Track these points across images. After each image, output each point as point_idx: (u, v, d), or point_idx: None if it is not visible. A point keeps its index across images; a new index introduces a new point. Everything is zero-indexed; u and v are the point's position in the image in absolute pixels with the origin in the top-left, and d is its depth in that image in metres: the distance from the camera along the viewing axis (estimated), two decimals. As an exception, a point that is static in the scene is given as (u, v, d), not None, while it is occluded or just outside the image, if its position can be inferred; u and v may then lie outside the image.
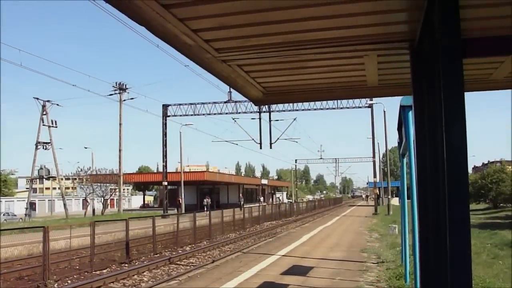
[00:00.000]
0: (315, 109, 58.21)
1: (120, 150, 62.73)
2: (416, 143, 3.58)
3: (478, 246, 20.56)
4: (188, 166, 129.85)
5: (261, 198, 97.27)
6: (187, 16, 3.62)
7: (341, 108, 57.78)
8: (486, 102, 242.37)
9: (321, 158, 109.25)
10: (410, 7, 3.51)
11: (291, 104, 56.82)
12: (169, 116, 60.59)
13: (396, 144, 14.95)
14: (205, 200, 69.77)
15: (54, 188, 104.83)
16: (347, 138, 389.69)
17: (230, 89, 51.87)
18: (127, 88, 61.02)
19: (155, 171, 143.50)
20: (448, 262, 2.78)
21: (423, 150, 3.42)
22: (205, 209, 59.19)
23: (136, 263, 22.54)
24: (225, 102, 57.68)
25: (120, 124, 62.16)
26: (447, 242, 2.79)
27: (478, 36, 3.50)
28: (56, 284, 17.78)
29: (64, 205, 62.11)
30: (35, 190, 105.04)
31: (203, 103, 58.96)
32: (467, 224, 2.80)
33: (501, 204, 57.74)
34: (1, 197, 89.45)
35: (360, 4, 3.51)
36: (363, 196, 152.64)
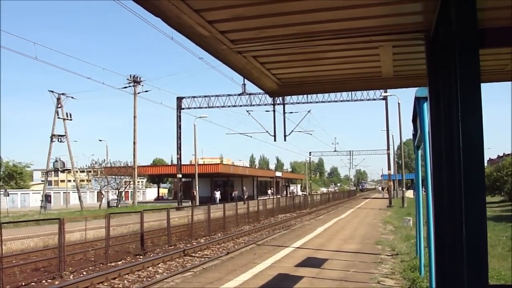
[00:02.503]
0: (329, 101, 58.10)
1: (134, 143, 62.96)
2: (431, 134, 3.55)
3: (493, 239, 20.44)
4: (202, 158, 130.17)
5: (269, 191, 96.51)
6: (202, 7, 3.62)
7: (356, 100, 57.64)
8: (502, 94, 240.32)
9: (335, 151, 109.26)
10: (425, -3, 3.49)
11: (305, 96, 56.78)
12: (183, 108, 60.74)
13: (411, 137, 14.93)
14: (216, 193, 69.54)
15: (69, 181, 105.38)
16: (362, 130, 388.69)
17: (244, 82, 51.99)
18: (141, 81, 61.19)
19: (169, 163, 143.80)
20: (464, 255, 2.77)
21: (438, 142, 3.39)
22: (218, 201, 59.27)
23: (151, 255, 22.64)
24: (239, 95, 57.72)
25: (134, 117, 62.37)
26: (463, 234, 2.78)
27: (494, 26, 3.46)
28: (72, 275, 17.89)
29: (79, 197, 62.43)
30: (50, 183, 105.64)
31: (217, 96, 59.06)
32: (483, 217, 2.78)
33: (517, 197, 57.30)
34: (17, 190, 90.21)
35: (375, -5, 3.50)
36: (379, 188, 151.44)
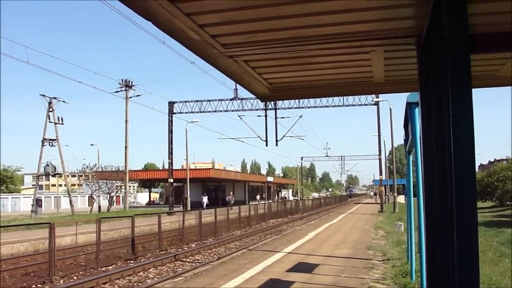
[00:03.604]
0: (321, 107, 58.18)
1: (126, 147, 62.82)
2: (422, 139, 3.55)
3: (485, 244, 20.50)
4: (194, 163, 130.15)
5: (257, 197, 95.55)
6: (193, 11, 3.60)
7: (347, 105, 57.71)
8: (492, 99, 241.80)
9: (327, 156, 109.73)
10: (417, 2, 3.48)
11: (297, 101, 56.87)
12: (175, 113, 60.65)
13: (402, 142, 14.93)
14: (203, 197, 69.01)
15: (60, 185, 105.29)
16: (353, 136, 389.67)
17: (236, 86, 52.06)
18: (133, 85, 61.14)
19: (161, 168, 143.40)
20: (455, 260, 2.76)
21: (429, 147, 3.39)
22: (205, 206, 58.86)
23: (142, 260, 22.57)
24: (231, 100, 57.71)
25: (126, 121, 62.27)
26: (454, 240, 2.77)
27: (485, 31, 3.47)
28: (62, 280, 17.82)
29: (70, 202, 62.22)
30: (41, 187, 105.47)
31: (209, 101, 59.02)
32: (474, 222, 2.78)
33: (508, 202, 57.36)
34: (8, 194, 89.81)
35: (367, 0, 3.50)
36: (371, 193, 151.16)
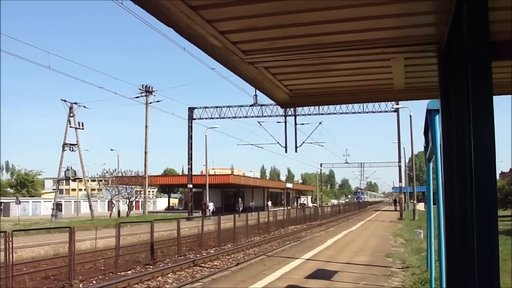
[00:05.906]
0: (340, 113, 57.91)
1: (145, 152, 63.08)
2: (443, 147, 3.54)
3: (505, 253, 20.20)
4: (213, 169, 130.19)
5: (269, 203, 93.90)
6: (214, 18, 3.63)
7: (367, 112, 57.34)
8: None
9: (346, 163, 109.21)
10: (438, 9, 3.48)
11: (316, 108, 56.63)
12: (194, 119, 60.70)
13: (422, 149, 14.84)
14: (209, 204, 68.81)
15: (80, 190, 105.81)
16: (373, 142, 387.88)
17: (256, 92, 51.89)
18: (153, 91, 61.39)
19: (180, 173, 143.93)
20: (476, 268, 2.75)
21: (450, 154, 3.38)
22: (209, 213, 58.71)
23: (161, 265, 22.60)
24: (250, 106, 57.61)
25: (146, 127, 62.55)
26: (474, 248, 2.76)
27: (507, 38, 3.45)
28: (82, 284, 17.90)
29: (90, 206, 62.56)
30: (61, 191, 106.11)
31: (228, 107, 59.01)
32: (495, 230, 2.76)
33: (529, 211, 56.85)
34: (29, 198, 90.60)
35: (388, 7, 3.50)
36: (390, 200, 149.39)
